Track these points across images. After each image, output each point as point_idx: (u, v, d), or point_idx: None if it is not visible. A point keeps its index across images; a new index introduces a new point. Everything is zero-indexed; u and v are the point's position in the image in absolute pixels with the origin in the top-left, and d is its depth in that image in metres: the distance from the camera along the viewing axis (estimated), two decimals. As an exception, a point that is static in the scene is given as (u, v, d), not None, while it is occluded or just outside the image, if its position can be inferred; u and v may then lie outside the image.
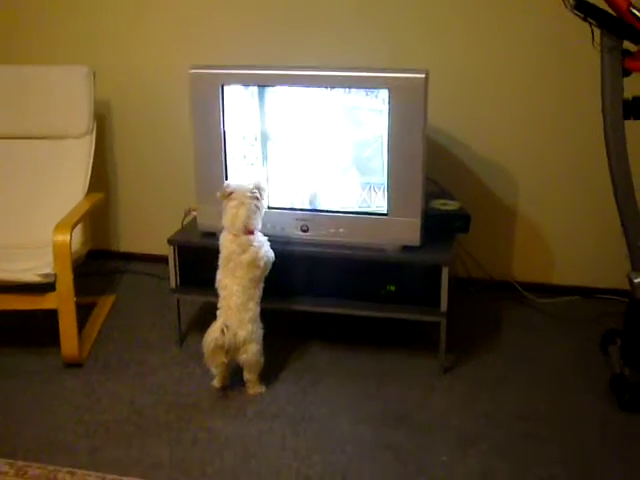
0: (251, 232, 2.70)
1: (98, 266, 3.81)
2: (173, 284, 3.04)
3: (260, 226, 2.75)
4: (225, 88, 2.84)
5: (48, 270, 2.83)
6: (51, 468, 2.21)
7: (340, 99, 2.79)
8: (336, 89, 2.78)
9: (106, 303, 3.46)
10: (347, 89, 2.76)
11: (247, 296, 2.70)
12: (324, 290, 2.95)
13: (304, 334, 3.20)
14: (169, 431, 2.57)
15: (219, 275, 2.74)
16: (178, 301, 3.07)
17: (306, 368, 2.95)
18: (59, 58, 3.64)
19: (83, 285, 3.56)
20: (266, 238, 2.78)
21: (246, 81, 2.84)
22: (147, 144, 3.77)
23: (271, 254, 2.78)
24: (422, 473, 2.37)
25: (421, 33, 3.35)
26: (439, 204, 3.09)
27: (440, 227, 3.00)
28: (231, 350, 2.67)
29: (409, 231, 2.83)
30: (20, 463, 2.22)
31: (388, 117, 2.72)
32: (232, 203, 2.69)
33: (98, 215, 3.87)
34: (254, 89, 2.84)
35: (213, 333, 2.64)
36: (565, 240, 3.49)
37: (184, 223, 3.15)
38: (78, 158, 3.32)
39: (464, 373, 2.91)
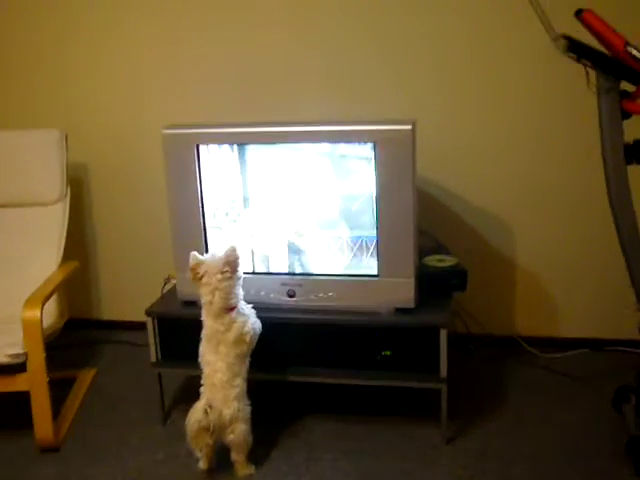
0: (233, 308, 2.51)
1: (78, 336, 3.62)
2: (154, 358, 2.84)
3: (241, 297, 2.56)
4: (200, 148, 2.68)
5: (18, 350, 2.64)
6: None
7: (324, 152, 2.63)
8: (318, 144, 2.62)
9: (86, 378, 3.26)
10: (333, 144, 2.61)
11: (233, 372, 2.50)
12: (315, 359, 2.75)
13: (296, 406, 2.99)
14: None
15: (202, 349, 2.55)
16: (160, 375, 2.87)
17: (299, 444, 2.73)
18: (29, 122, 3.51)
19: (62, 357, 3.41)
20: (251, 307, 2.59)
21: (222, 140, 2.68)
22: (126, 207, 3.61)
23: (258, 325, 2.60)
24: None
25: (406, 83, 3.22)
26: (434, 260, 2.91)
27: (436, 285, 2.82)
28: (216, 430, 2.46)
29: (402, 292, 2.65)
30: None
31: (375, 171, 2.56)
32: (205, 289, 2.49)
33: (77, 283, 3.71)
34: (231, 148, 2.68)
35: (196, 414, 2.44)
36: (569, 290, 3.31)
37: (164, 291, 2.97)
38: (51, 226, 3.16)
39: (468, 445, 2.69)
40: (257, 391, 2.61)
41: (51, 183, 3.18)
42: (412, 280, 2.63)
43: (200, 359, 2.55)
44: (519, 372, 3.18)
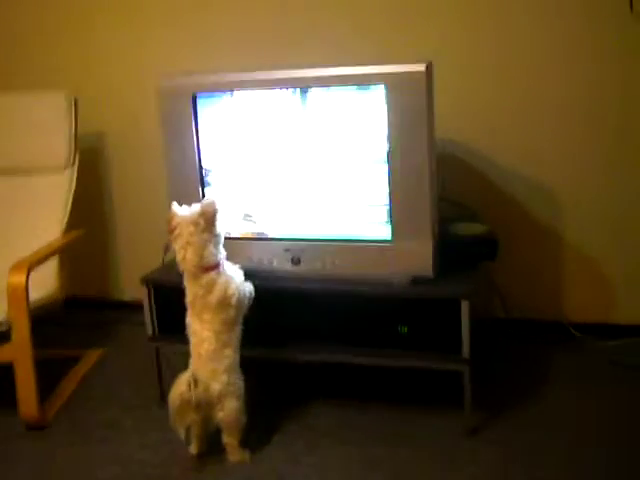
0: (212, 268, 2.24)
1: (94, 317, 3.43)
2: (150, 331, 2.60)
3: (223, 256, 2.27)
4: (197, 98, 2.43)
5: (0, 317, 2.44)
6: None
7: (331, 102, 2.34)
8: (325, 89, 2.33)
9: (90, 358, 3.05)
10: (338, 88, 2.31)
11: (220, 342, 2.23)
12: (321, 335, 2.45)
13: (299, 387, 2.71)
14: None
15: (188, 319, 2.29)
16: (157, 351, 2.63)
17: (302, 430, 2.43)
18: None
19: (73, 337, 3.24)
20: (237, 268, 2.31)
21: (219, 88, 2.43)
22: (143, 178, 3.38)
23: (248, 288, 2.32)
24: None
25: (424, 22, 2.87)
26: (461, 229, 2.57)
27: (461, 255, 2.48)
28: (203, 406, 2.20)
29: (419, 259, 2.32)
30: None
31: (387, 119, 2.25)
32: (178, 242, 2.21)
33: (95, 260, 3.55)
34: (230, 96, 2.42)
35: (179, 387, 2.18)
36: (626, 270, 2.89)
37: (165, 260, 2.71)
38: (57, 194, 2.96)
39: (494, 437, 2.33)
40: (256, 370, 2.36)
41: (57, 148, 2.99)
42: (430, 245, 2.31)
43: (187, 330, 2.29)
44: (566, 360, 2.79)
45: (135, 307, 3.45)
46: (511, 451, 2.25)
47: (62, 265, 2.88)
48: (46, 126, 3.00)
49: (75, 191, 2.97)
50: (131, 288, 3.54)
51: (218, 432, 2.28)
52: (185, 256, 2.20)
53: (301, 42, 3.01)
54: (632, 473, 2.12)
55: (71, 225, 2.95)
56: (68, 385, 2.82)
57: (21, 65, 3.43)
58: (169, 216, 2.22)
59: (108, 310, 3.52)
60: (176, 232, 2.21)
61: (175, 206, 2.24)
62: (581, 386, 2.61)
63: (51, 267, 2.83)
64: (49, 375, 2.75)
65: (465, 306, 2.24)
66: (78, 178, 3.00)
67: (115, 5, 3.27)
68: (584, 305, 2.96)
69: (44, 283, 2.78)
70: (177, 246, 2.21)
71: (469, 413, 2.34)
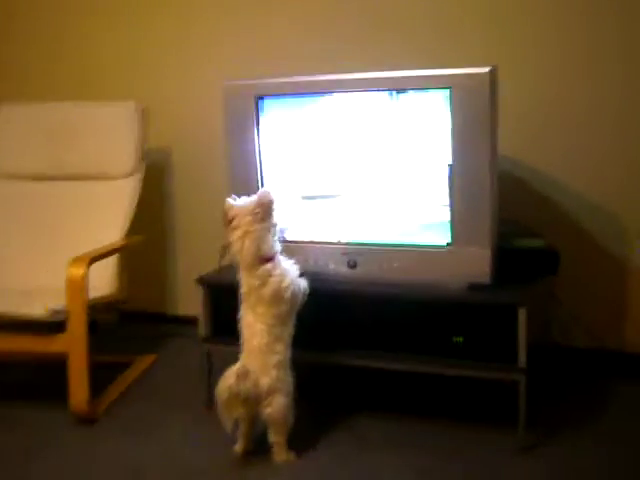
0: (268, 259, 2.24)
1: (149, 329, 3.46)
2: (203, 332, 2.60)
3: (278, 248, 2.28)
4: (260, 100, 2.47)
5: (58, 306, 2.48)
6: None
7: (393, 106, 2.35)
8: (387, 93, 2.35)
9: (144, 362, 3.07)
10: (401, 93, 2.33)
11: (273, 336, 2.22)
12: (375, 340, 2.41)
13: (350, 394, 2.68)
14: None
15: (241, 312, 2.29)
16: (209, 353, 2.62)
17: (348, 437, 2.39)
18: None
19: (127, 346, 3.26)
20: (292, 263, 2.31)
21: (281, 90, 2.47)
22: (207, 192, 3.42)
23: (303, 284, 2.31)
24: None
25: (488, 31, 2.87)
26: (522, 242, 2.52)
27: (522, 267, 2.44)
28: (251, 401, 2.17)
29: (477, 264, 2.28)
30: None
31: (450, 123, 2.25)
32: (236, 234, 2.22)
33: (153, 276, 3.59)
34: (292, 100, 2.47)
35: (228, 379, 2.16)
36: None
37: (221, 263, 2.72)
38: (120, 199, 3.04)
39: (547, 457, 2.23)
40: (309, 373, 2.32)
41: (125, 156, 3.08)
42: (488, 251, 2.27)
43: (240, 323, 2.28)
44: (627, 391, 2.67)
45: (190, 322, 3.50)
46: (563, 470, 2.15)
47: (121, 268, 2.93)
48: (115, 134, 3.10)
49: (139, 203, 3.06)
50: (187, 303, 3.58)
51: (265, 434, 2.25)
52: (243, 246, 2.21)
53: (359, 47, 3.03)
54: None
55: (132, 233, 3.02)
56: (119, 385, 2.83)
57: (93, 76, 3.56)
58: (225, 208, 2.25)
59: (164, 324, 3.54)
60: (234, 223, 2.22)
61: (231, 200, 2.26)
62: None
63: (111, 269, 2.89)
64: (102, 377, 2.78)
65: (522, 314, 2.18)
66: (142, 189, 3.08)
67: (182, 17, 3.38)
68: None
69: (104, 283, 2.84)
70: (235, 237, 2.23)
71: (523, 427, 2.25)
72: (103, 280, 2.83)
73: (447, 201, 2.30)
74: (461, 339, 2.31)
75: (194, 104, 3.38)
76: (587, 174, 2.83)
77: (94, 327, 3.40)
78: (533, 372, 2.23)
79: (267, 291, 2.22)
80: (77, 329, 2.50)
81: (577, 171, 2.84)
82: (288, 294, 2.23)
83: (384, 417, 2.51)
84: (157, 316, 3.60)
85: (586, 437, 2.34)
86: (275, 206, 2.24)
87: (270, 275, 2.22)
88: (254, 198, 2.24)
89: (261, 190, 2.27)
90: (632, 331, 2.86)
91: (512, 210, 2.69)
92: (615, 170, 2.80)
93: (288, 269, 2.27)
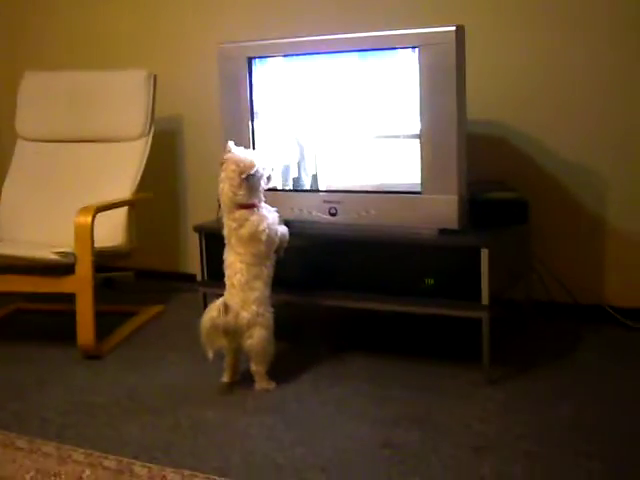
0: (247, 207, 2.43)
1: (160, 285, 3.70)
2: (199, 276, 2.82)
3: (259, 200, 2.46)
4: (251, 61, 2.68)
5: (67, 249, 2.72)
6: (126, 460, 2.01)
7: (366, 63, 2.54)
8: (361, 53, 2.54)
9: (151, 311, 3.30)
10: (374, 51, 2.52)
11: (252, 274, 2.42)
12: (355, 283, 2.59)
13: (330, 332, 2.91)
14: (152, 415, 2.31)
15: (225, 253, 2.50)
16: (205, 296, 2.83)
17: (327, 371, 2.59)
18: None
19: (137, 299, 3.49)
20: (274, 210, 2.50)
21: (270, 51, 2.67)
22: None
23: (280, 229, 2.51)
24: (418, 472, 1.91)
25: None
26: (493, 194, 2.68)
27: (493, 217, 2.60)
28: (231, 332, 2.38)
29: (446, 211, 2.45)
30: (97, 454, 2.04)
31: (419, 79, 2.43)
32: (221, 176, 2.43)
33: (169, 237, 3.82)
34: (278, 60, 2.67)
35: (210, 312, 2.38)
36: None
37: (220, 214, 2.92)
38: (131, 159, 3.27)
39: (513, 386, 2.42)
40: (295, 315, 2.51)
41: (135, 120, 3.31)
42: (456, 197, 2.44)
43: (224, 264, 2.49)
44: (601, 337, 2.83)
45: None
46: (526, 395, 2.34)
47: (130, 223, 3.16)
48: (128, 100, 3.33)
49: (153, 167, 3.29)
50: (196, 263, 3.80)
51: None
52: (222, 189, 2.42)
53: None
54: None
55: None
56: (125, 329, 3.06)
57: (109, 46, 3.81)
58: (225, 150, 2.45)
59: (176, 281, 3.78)
60: (223, 166, 2.43)
61: (232, 144, 2.46)
62: (611, 357, 2.64)
63: (120, 222, 3.12)
64: (111, 323, 3.04)
65: (485, 254, 2.35)
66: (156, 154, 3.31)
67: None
68: (626, 290, 2.98)
69: (113, 235, 3.08)
70: (221, 179, 2.44)
71: (487, 361, 2.42)
72: (112, 232, 3.06)
73: (418, 152, 2.47)
74: (432, 281, 2.48)
75: (203, 72, 3.58)
76: (567, 136, 2.97)
77: (110, 283, 3.68)
78: (509, 322, 2.37)
79: (244, 232, 2.41)
80: (84, 271, 2.72)
81: (557, 134, 2.98)
82: (264, 236, 2.42)
83: (362, 354, 2.71)
84: (170, 274, 3.83)
85: (549, 373, 2.50)
86: (257, 170, 2.41)
87: (247, 219, 2.41)
88: (249, 155, 2.43)
89: (254, 155, 2.45)
90: (609, 285, 3.00)
91: (491, 171, 2.88)
92: (595, 132, 2.93)
93: (266, 215, 2.46)
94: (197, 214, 3.76)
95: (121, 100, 3.35)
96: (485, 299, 2.38)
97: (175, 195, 3.81)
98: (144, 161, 3.26)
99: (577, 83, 2.93)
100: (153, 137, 3.32)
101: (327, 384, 2.48)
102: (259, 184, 2.45)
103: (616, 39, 2.84)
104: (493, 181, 2.84)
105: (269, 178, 2.50)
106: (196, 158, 3.72)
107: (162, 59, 3.65)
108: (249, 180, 2.40)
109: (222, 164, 2.44)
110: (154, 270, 3.82)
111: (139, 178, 3.23)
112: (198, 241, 2.81)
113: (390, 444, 2.06)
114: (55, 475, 1.96)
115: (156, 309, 3.33)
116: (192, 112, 3.67)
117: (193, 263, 3.80)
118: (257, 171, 2.42)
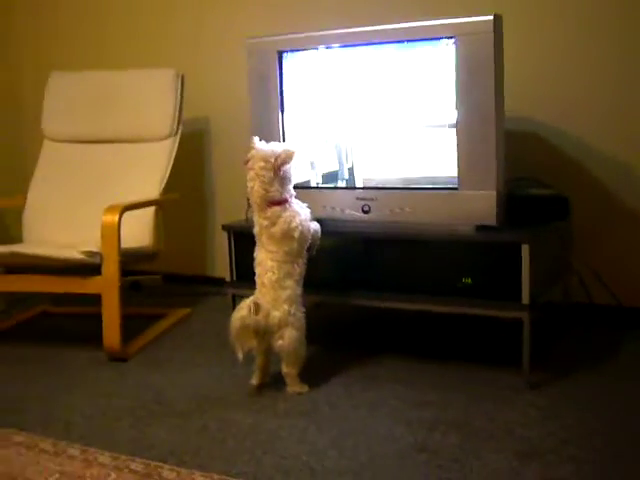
0: (279, 203, 2.35)
1: (190, 289, 3.64)
2: (228, 277, 2.75)
3: (290, 195, 2.38)
4: (282, 55, 2.61)
5: (94, 249, 2.66)
6: (153, 464, 1.94)
7: (402, 55, 2.46)
8: (396, 45, 2.46)
9: (178, 314, 3.24)
10: (409, 43, 2.43)
11: (283, 272, 2.34)
12: (388, 282, 2.50)
13: (364, 334, 2.83)
14: (180, 418, 2.23)
15: (255, 251, 2.42)
16: (234, 297, 2.75)
17: (360, 374, 2.50)
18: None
19: (166, 302, 3.44)
20: (306, 206, 2.42)
21: (302, 45, 2.60)
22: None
23: (314, 227, 2.43)
24: (459, 478, 1.81)
25: None
26: (533, 191, 2.58)
27: (531, 213, 2.50)
28: (262, 333, 2.30)
29: (483, 207, 2.36)
30: (123, 457, 1.97)
31: (455, 71, 2.34)
32: (249, 174, 2.35)
33: (197, 240, 3.77)
34: (308, 53, 2.60)
35: (240, 311, 2.29)
36: None
37: (249, 214, 2.85)
38: (158, 159, 3.22)
39: (554, 391, 2.31)
40: (330, 315, 2.43)
41: (164, 119, 3.26)
42: (494, 193, 2.34)
43: (255, 262, 2.41)
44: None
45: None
46: (570, 401, 2.23)
47: (157, 224, 3.11)
48: (155, 100, 3.29)
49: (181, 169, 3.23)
50: (226, 266, 3.72)
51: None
52: (253, 187, 2.34)
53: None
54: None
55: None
56: (152, 332, 3.00)
57: (137, 46, 3.77)
58: (249, 146, 2.37)
59: (203, 285, 3.71)
60: (249, 164, 2.36)
61: (256, 139, 2.38)
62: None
63: (147, 223, 3.07)
64: (138, 326, 2.98)
65: (525, 250, 2.25)
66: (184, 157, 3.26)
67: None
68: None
69: (140, 236, 3.03)
70: (248, 177, 2.36)
71: (527, 364, 2.32)
72: (139, 233, 3.01)
73: (455, 146, 2.38)
74: (469, 280, 2.38)
75: (229, 70, 3.53)
76: (614, 136, 2.86)
77: (137, 286, 3.62)
78: (548, 325, 2.27)
79: (277, 230, 2.34)
80: (110, 271, 2.66)
81: (603, 133, 2.87)
82: (297, 234, 2.34)
83: (395, 356, 2.62)
84: (198, 278, 3.77)
85: (591, 377, 2.39)
86: (293, 162, 2.34)
87: (279, 216, 2.34)
88: (277, 147, 2.35)
89: (289, 146, 2.37)
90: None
91: (530, 168, 2.78)
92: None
93: (299, 212, 2.38)
94: (225, 216, 3.71)
95: (149, 100, 3.30)
96: (526, 298, 2.28)
97: (202, 197, 3.75)
98: (171, 161, 3.21)
99: (614, 79, 2.83)
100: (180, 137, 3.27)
101: (360, 387, 2.39)
102: (290, 176, 2.37)
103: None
104: (528, 178, 2.74)
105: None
106: (223, 159, 3.67)
107: (187, 58, 3.60)
108: (285, 170, 2.32)
109: (247, 162, 2.36)
110: (181, 274, 3.77)
111: (166, 179, 3.18)
112: (227, 241, 2.73)
113: (427, 448, 1.96)
114: (80, 478, 1.88)
115: (183, 312, 3.27)
116: (218, 111, 3.62)
117: (221, 267, 3.74)
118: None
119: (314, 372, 2.43)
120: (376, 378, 2.45)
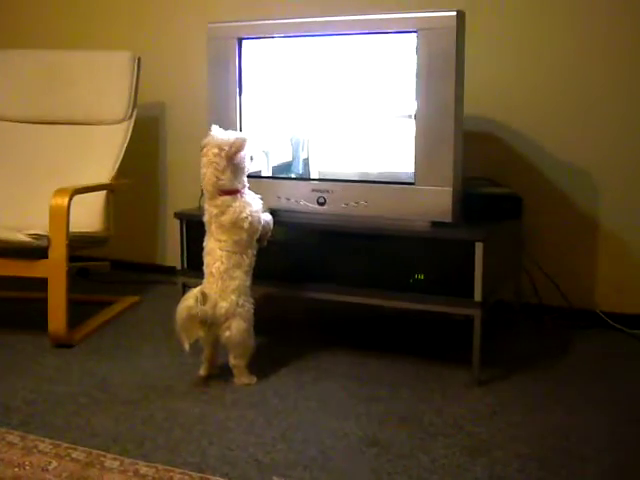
0: (230, 192, 2.32)
1: (136, 276, 3.58)
2: (179, 265, 2.70)
3: (243, 186, 2.35)
4: (241, 41, 2.57)
5: (40, 231, 2.59)
6: (96, 452, 1.87)
7: (362, 48, 2.44)
8: (359, 36, 2.44)
9: (126, 301, 3.18)
10: (371, 35, 2.41)
11: (232, 262, 2.30)
12: (341, 275, 2.48)
13: (315, 327, 2.81)
14: (125, 407, 2.18)
15: (205, 240, 2.37)
16: (184, 286, 2.70)
17: (310, 366, 2.48)
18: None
19: (114, 290, 3.37)
20: (259, 197, 2.39)
21: (262, 32, 2.56)
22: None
23: (264, 217, 2.39)
24: (407, 472, 1.80)
25: None
26: (487, 189, 2.60)
27: (486, 212, 2.51)
28: (209, 323, 2.26)
29: (439, 203, 2.35)
30: (65, 445, 1.91)
31: (416, 65, 2.33)
32: (203, 161, 2.31)
33: (147, 228, 3.70)
34: (268, 41, 2.56)
35: (187, 301, 2.24)
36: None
37: (202, 202, 2.80)
38: (111, 143, 3.14)
39: (503, 388, 2.32)
40: (283, 308, 2.40)
41: (117, 103, 3.19)
42: (450, 190, 2.34)
43: (204, 251, 2.37)
44: (595, 342, 2.74)
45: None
46: (517, 398, 2.25)
47: (107, 209, 3.03)
48: (110, 82, 3.21)
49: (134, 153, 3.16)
50: (176, 255, 3.67)
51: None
52: (205, 174, 2.30)
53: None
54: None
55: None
56: (99, 318, 2.93)
57: (91, 27, 3.68)
58: (207, 134, 2.33)
59: (152, 273, 3.65)
60: (204, 151, 2.31)
61: (215, 128, 2.34)
62: (607, 362, 2.57)
63: (97, 208, 2.99)
64: (85, 313, 2.92)
65: (479, 248, 2.26)
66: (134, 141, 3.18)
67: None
68: (619, 296, 2.89)
69: (89, 220, 2.95)
70: (202, 163, 2.32)
71: (478, 362, 2.32)
72: (89, 217, 2.94)
73: (413, 142, 2.37)
74: (422, 276, 2.38)
75: (187, 56, 3.47)
76: (559, 136, 2.90)
77: (85, 273, 3.55)
78: (499, 323, 2.28)
79: (226, 219, 2.30)
80: (57, 255, 2.59)
81: (550, 134, 2.91)
82: (246, 224, 2.31)
83: (346, 351, 2.60)
84: (147, 266, 3.71)
85: (540, 376, 2.41)
86: (245, 150, 2.30)
87: (229, 206, 2.30)
88: (232, 137, 2.31)
89: (242, 135, 2.35)
90: (604, 290, 2.91)
91: (484, 168, 2.80)
92: (585, 132, 2.87)
93: (250, 202, 2.34)
94: (178, 203, 3.64)
95: (103, 82, 3.23)
96: (478, 296, 2.28)
97: (155, 183, 3.69)
98: (125, 146, 3.14)
99: (569, 82, 2.87)
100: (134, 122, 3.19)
101: (310, 380, 2.37)
102: (244, 165, 2.33)
103: (610, 33, 2.78)
104: (482, 178, 2.76)
105: (252, 158, 2.38)
106: (177, 145, 3.61)
107: (145, 42, 3.53)
108: (239, 159, 2.29)
109: (203, 148, 2.32)
110: (131, 261, 3.71)
111: (119, 163, 3.10)
112: (179, 229, 2.68)
113: (377, 443, 1.95)
114: (19, 466, 1.82)
115: (131, 300, 3.20)
116: (174, 98, 3.57)
117: (172, 255, 3.70)
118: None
119: (264, 364, 2.41)
120: (327, 371, 2.43)
